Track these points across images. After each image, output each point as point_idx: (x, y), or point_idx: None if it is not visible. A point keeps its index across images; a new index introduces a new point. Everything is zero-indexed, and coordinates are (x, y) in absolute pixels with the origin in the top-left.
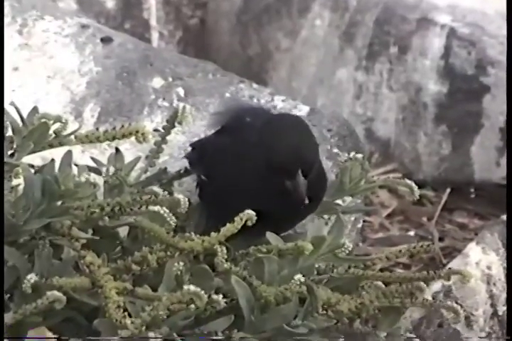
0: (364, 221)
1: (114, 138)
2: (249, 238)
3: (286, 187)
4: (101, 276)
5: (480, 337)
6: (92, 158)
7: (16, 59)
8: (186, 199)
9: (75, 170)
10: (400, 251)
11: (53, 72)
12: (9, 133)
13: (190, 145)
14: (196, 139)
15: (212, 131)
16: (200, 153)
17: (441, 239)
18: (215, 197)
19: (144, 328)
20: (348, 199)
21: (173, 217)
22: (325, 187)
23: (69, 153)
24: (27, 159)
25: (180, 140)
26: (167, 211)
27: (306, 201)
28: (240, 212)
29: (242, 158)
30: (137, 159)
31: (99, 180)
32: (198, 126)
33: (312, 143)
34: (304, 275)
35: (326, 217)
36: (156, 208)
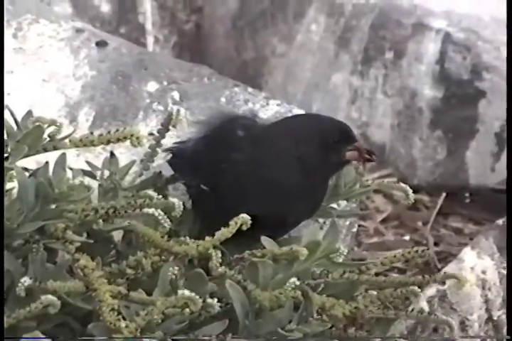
0: (359, 225)
1: (108, 142)
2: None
3: (346, 157)
4: (95, 280)
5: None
6: (87, 162)
7: (10, 62)
8: (181, 203)
9: (69, 173)
10: (395, 256)
11: (48, 76)
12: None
13: (167, 150)
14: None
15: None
16: (187, 161)
17: (436, 244)
18: (222, 207)
19: (138, 332)
20: (343, 203)
21: (168, 220)
22: None
23: (63, 155)
24: (21, 163)
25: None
26: (161, 213)
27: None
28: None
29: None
30: (132, 163)
31: (94, 184)
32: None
33: None
34: (298, 279)
35: (321, 221)
36: (151, 211)
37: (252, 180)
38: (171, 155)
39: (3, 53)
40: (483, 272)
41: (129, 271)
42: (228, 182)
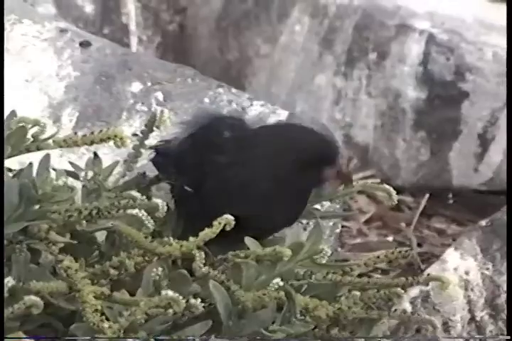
0: (342, 226)
1: (92, 143)
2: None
3: (325, 177)
4: (78, 280)
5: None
6: (70, 163)
7: None
8: (165, 203)
9: (52, 174)
10: (378, 257)
11: (31, 77)
12: None
13: (152, 149)
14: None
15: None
16: (171, 160)
17: (419, 245)
18: (204, 208)
19: (121, 333)
20: (327, 204)
21: (151, 220)
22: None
23: (47, 156)
24: (4, 163)
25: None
26: (145, 214)
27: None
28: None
29: (247, 167)
30: (115, 163)
31: (77, 185)
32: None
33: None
34: (282, 280)
35: (304, 222)
36: (134, 211)
37: (235, 183)
38: (154, 154)
39: (3, 53)
40: (467, 273)
41: (112, 271)
42: (212, 185)
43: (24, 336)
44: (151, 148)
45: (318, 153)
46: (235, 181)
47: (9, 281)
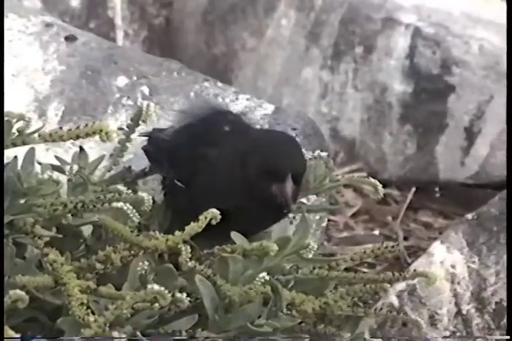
0: (329, 220)
1: (78, 137)
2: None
3: (272, 192)
4: (64, 274)
5: (444, 337)
6: (56, 157)
7: None
8: (150, 197)
9: (38, 168)
10: (365, 252)
11: (17, 71)
12: None
13: (145, 135)
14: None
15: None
16: (164, 151)
17: (405, 238)
18: (193, 204)
19: (107, 327)
20: (313, 198)
21: (137, 214)
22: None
23: (32, 150)
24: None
25: (144, 139)
26: (130, 207)
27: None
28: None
29: (228, 165)
30: (101, 158)
31: (63, 179)
32: (162, 125)
33: (303, 155)
34: (268, 274)
35: (290, 216)
36: (120, 204)
37: (226, 180)
38: (146, 143)
39: (3, 53)
40: (453, 266)
41: (98, 265)
42: (203, 181)
43: (10, 331)
44: (142, 135)
45: (276, 165)
46: (227, 178)
47: None
